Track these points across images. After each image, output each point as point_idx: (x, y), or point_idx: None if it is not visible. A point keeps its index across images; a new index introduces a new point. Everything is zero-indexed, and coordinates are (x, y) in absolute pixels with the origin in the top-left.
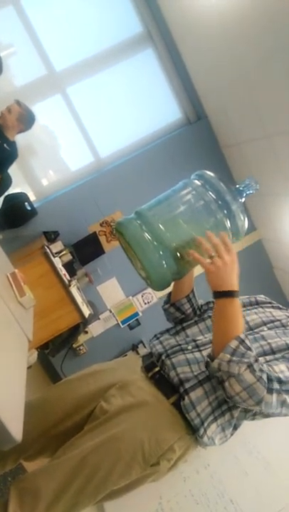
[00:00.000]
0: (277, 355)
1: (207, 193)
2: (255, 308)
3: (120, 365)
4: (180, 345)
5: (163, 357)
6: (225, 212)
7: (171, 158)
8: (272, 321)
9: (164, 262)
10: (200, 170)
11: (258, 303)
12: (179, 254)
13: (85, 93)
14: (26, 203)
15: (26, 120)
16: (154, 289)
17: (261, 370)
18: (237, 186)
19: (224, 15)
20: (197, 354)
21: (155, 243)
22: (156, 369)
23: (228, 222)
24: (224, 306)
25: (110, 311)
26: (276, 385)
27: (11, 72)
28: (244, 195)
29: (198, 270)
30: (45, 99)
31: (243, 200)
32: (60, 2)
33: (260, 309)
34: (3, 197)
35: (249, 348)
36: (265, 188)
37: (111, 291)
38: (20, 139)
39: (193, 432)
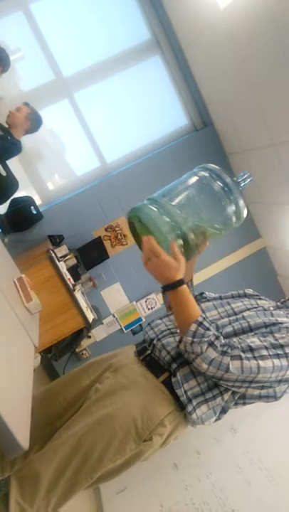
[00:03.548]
0: (255, 332)
1: (214, 181)
2: (242, 298)
3: (117, 353)
4: (169, 329)
5: (155, 341)
6: (231, 198)
7: (176, 164)
8: (254, 307)
9: (180, 242)
10: (206, 165)
11: (245, 295)
12: (193, 235)
13: (93, 99)
14: (32, 207)
15: (34, 120)
16: None
17: (223, 345)
18: (234, 179)
19: (232, 23)
20: None
21: (172, 223)
22: (148, 352)
23: (233, 207)
24: (172, 298)
25: (114, 316)
26: (247, 354)
27: (19, 76)
28: (242, 185)
29: (213, 271)
30: (52, 104)
31: (241, 189)
32: (68, 8)
33: (246, 299)
34: (9, 200)
35: (207, 329)
36: (270, 196)
37: (115, 296)
38: (27, 143)
39: (182, 408)
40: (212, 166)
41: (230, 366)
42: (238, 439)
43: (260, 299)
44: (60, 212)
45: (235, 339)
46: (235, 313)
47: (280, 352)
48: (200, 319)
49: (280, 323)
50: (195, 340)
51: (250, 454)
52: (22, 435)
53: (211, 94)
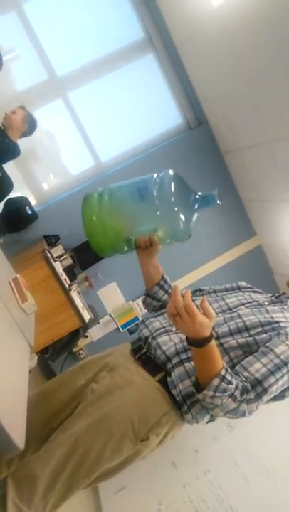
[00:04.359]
0: (252, 332)
1: (154, 188)
2: (236, 292)
3: (112, 352)
4: (164, 327)
5: (149, 339)
6: (172, 210)
7: (171, 163)
8: (249, 302)
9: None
10: (167, 170)
11: (239, 288)
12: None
13: (86, 98)
14: (27, 207)
15: (30, 122)
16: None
17: (242, 393)
18: (199, 194)
19: (225, 20)
20: (180, 334)
21: (100, 221)
22: (143, 351)
23: (170, 221)
24: (196, 353)
25: (110, 316)
26: (257, 389)
27: (13, 76)
28: (199, 204)
29: (209, 269)
30: (46, 104)
31: (196, 207)
32: (61, 7)
33: (241, 293)
34: (4, 201)
35: (230, 382)
36: (265, 194)
37: (111, 296)
38: (21, 143)
39: (178, 407)
40: (168, 175)
41: (246, 411)
42: (235, 437)
43: (253, 291)
44: (55, 212)
45: (238, 367)
46: (230, 309)
47: (284, 371)
48: (222, 373)
49: (276, 321)
50: (217, 394)
51: (248, 451)
52: (17, 435)
53: (206, 92)
